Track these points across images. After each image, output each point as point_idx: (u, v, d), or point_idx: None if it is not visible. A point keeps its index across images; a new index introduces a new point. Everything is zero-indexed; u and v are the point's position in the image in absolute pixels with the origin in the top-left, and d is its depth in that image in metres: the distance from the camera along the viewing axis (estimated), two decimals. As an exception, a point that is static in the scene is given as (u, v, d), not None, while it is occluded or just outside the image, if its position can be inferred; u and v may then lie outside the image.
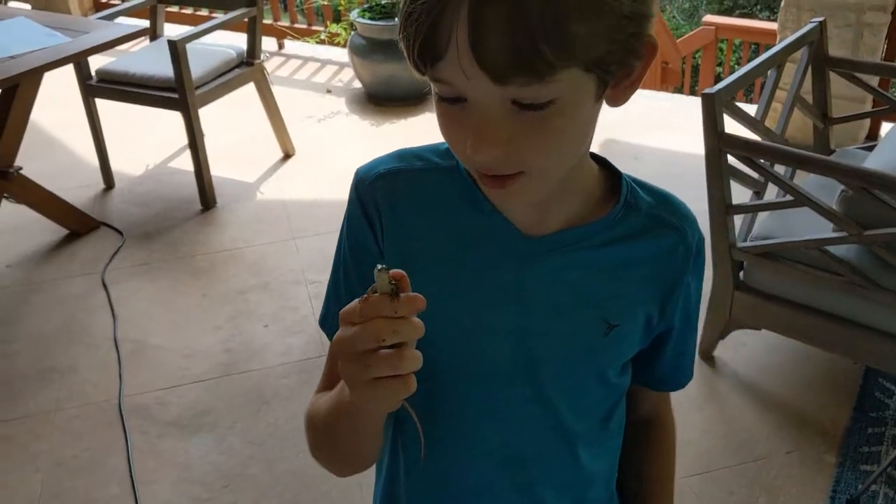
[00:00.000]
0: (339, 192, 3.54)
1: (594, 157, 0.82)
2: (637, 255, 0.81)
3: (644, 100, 4.24)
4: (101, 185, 3.64)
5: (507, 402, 0.83)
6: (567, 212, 0.79)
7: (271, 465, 2.21)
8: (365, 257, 0.83)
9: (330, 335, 0.85)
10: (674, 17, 12.36)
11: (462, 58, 0.61)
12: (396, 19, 0.66)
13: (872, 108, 3.19)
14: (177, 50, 3.12)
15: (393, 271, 0.61)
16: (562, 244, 0.79)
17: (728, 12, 12.29)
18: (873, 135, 3.60)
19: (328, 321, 0.87)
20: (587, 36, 0.60)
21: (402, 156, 0.85)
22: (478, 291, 0.79)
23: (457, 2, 0.59)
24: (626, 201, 0.81)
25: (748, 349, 2.53)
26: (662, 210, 0.83)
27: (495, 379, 0.82)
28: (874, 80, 3.05)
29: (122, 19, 3.47)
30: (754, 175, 2.30)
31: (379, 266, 0.61)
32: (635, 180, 0.84)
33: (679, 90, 5.81)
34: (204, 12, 5.21)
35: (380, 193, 0.82)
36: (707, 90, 2.11)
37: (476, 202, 0.79)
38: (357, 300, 0.63)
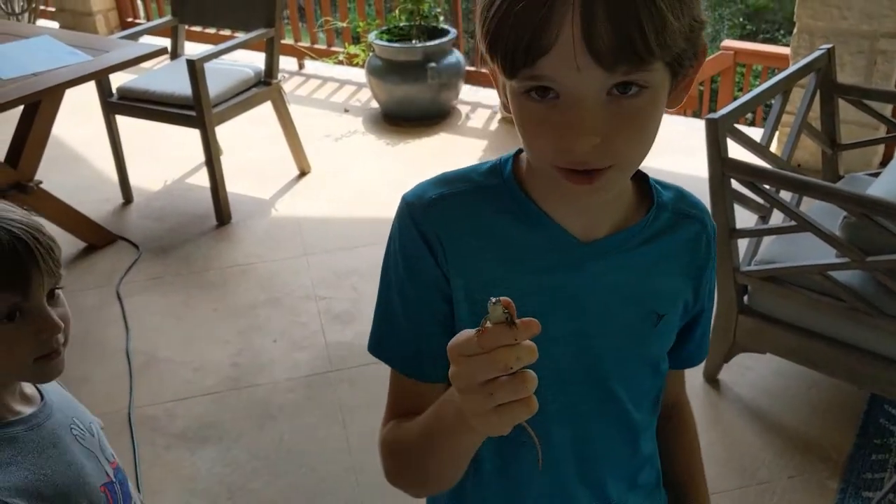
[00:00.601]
0: (353, 209, 3.62)
1: None
2: (670, 248, 0.88)
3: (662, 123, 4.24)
4: (120, 200, 3.71)
5: (575, 401, 0.88)
6: (613, 216, 0.85)
7: (275, 480, 2.24)
8: (427, 280, 0.85)
9: (389, 361, 0.89)
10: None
11: (576, 50, 0.65)
12: (485, 24, 0.70)
13: (886, 133, 3.18)
14: (195, 69, 3.18)
15: (503, 299, 0.63)
16: (611, 248, 0.85)
17: (751, 37, 12.28)
18: (887, 160, 3.59)
19: (384, 347, 0.89)
20: (677, 30, 0.67)
21: (447, 180, 0.87)
22: (539, 301, 0.82)
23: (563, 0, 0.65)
24: (657, 202, 0.88)
25: (752, 373, 2.53)
26: (682, 204, 0.91)
27: (563, 381, 0.86)
28: (886, 107, 3.05)
29: (144, 38, 3.56)
30: (759, 200, 2.31)
31: (493, 299, 0.63)
32: (654, 179, 0.91)
33: (697, 114, 5.82)
34: (226, 32, 5.31)
35: (435, 219, 0.84)
36: (710, 115, 2.13)
37: (530, 215, 0.84)
38: (464, 333, 0.65)
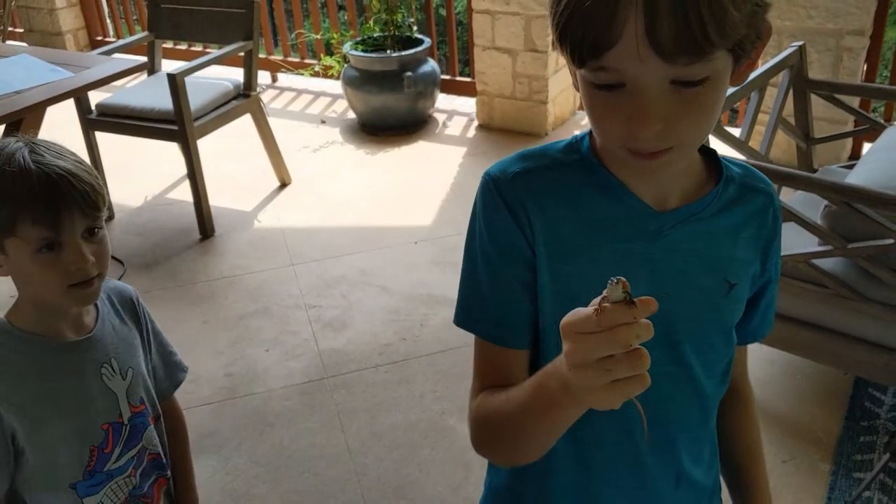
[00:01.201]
0: (337, 218, 3.64)
1: None
2: (740, 219, 0.92)
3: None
4: (101, 217, 3.69)
5: (651, 366, 0.89)
6: (684, 188, 0.90)
7: (277, 485, 2.25)
8: (513, 251, 0.89)
9: (478, 332, 0.93)
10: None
11: (639, 43, 0.70)
12: (557, 20, 0.74)
13: (855, 127, 3.28)
14: (175, 82, 3.19)
15: (622, 280, 0.66)
16: (686, 217, 0.89)
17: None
18: (856, 154, 3.69)
19: (472, 318, 0.93)
20: (738, 20, 0.70)
21: (528, 155, 0.92)
22: (620, 268, 0.84)
23: None
24: (725, 175, 0.92)
25: (740, 363, 2.59)
26: (750, 178, 0.95)
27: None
28: (855, 102, 3.15)
29: (117, 56, 3.55)
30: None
31: (613, 278, 0.66)
32: (723, 156, 0.95)
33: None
34: (198, 48, 5.31)
35: (522, 190, 0.89)
36: (693, 112, 2.19)
37: (609, 188, 0.88)
38: (578, 311, 0.68)
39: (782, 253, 2.15)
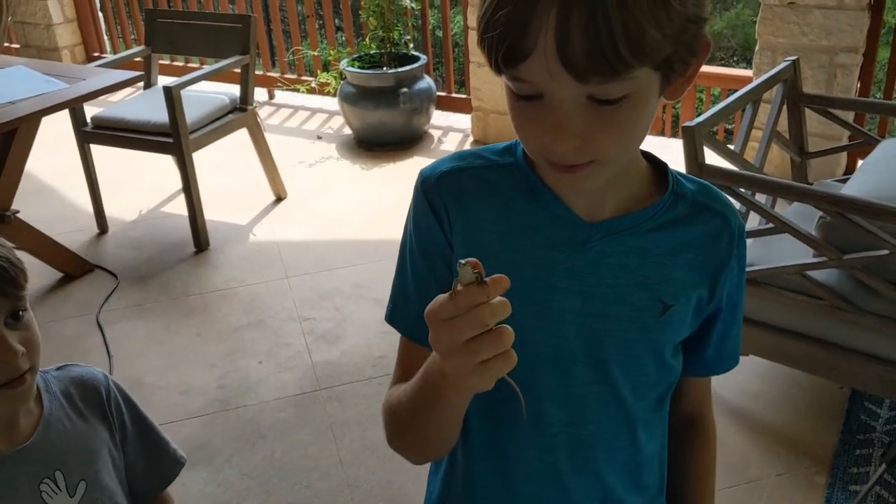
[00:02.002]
0: (332, 232, 3.63)
1: (641, 151, 0.89)
2: (686, 239, 0.87)
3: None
4: (95, 230, 3.69)
5: (571, 382, 0.88)
6: (621, 199, 0.86)
7: (268, 498, 2.22)
8: (434, 250, 0.89)
9: (399, 328, 0.92)
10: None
11: (548, 59, 0.67)
12: (482, 26, 0.71)
13: (849, 141, 3.29)
14: (172, 95, 3.20)
15: (471, 260, 0.66)
16: (617, 229, 0.85)
17: (705, 64, 12.58)
18: (850, 169, 3.70)
19: (397, 315, 0.93)
20: (659, 38, 0.67)
21: (462, 156, 0.91)
22: (541, 276, 0.85)
23: (544, 9, 0.66)
24: (672, 190, 0.88)
25: (735, 376, 2.57)
26: (705, 197, 0.89)
27: (560, 359, 0.87)
28: (849, 118, 3.16)
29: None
30: (735, 206, 2.38)
31: (461, 261, 0.66)
32: (677, 172, 0.91)
33: (660, 135, 5.95)
34: (195, 64, 5.33)
35: (445, 190, 0.88)
36: (687, 123, 2.20)
37: (537, 193, 0.86)
38: (439, 298, 0.68)
39: (776, 264, 2.19)
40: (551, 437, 0.89)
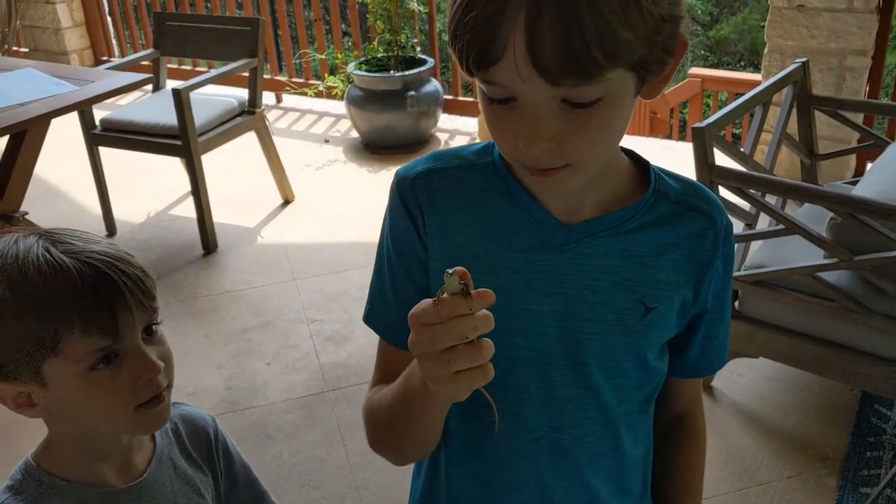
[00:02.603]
0: (339, 235, 3.63)
1: (623, 150, 0.87)
2: (668, 240, 0.85)
3: (632, 146, 4.34)
4: (104, 233, 3.69)
5: (553, 385, 0.86)
6: (600, 200, 0.84)
7: (277, 498, 2.19)
8: (408, 251, 0.88)
9: (377, 330, 0.92)
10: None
11: (519, 62, 0.66)
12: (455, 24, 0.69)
13: (858, 144, 3.28)
14: (180, 97, 3.20)
15: (458, 269, 0.65)
16: (596, 230, 0.83)
17: (713, 68, 12.58)
18: (860, 172, 3.68)
19: (374, 317, 0.92)
20: (632, 39, 0.66)
21: (439, 156, 0.90)
22: (519, 278, 0.83)
23: (513, 11, 0.65)
24: (655, 189, 0.86)
25: (745, 379, 2.57)
26: (690, 196, 0.87)
27: (541, 363, 0.85)
28: (858, 120, 3.15)
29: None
30: (745, 207, 2.37)
31: (449, 270, 0.66)
32: (662, 170, 0.89)
33: (668, 139, 5.96)
34: (203, 68, 5.34)
35: (420, 191, 0.87)
36: (697, 124, 2.19)
37: (514, 194, 0.84)
38: (423, 303, 0.68)
39: (786, 266, 2.18)
40: (533, 441, 0.88)
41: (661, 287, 0.85)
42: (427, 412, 0.79)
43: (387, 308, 0.90)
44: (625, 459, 0.92)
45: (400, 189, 0.88)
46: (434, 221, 0.86)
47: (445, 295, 0.66)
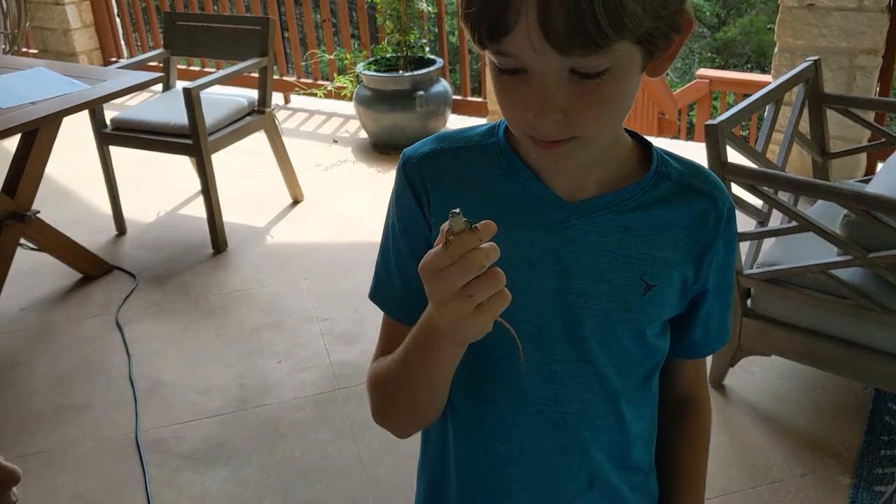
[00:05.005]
0: (349, 234, 3.63)
1: (627, 130, 0.88)
2: (670, 219, 0.87)
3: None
4: (114, 232, 3.71)
5: (553, 360, 0.88)
6: (603, 179, 0.86)
7: (288, 496, 2.22)
8: (413, 230, 0.90)
9: (381, 306, 0.93)
10: (667, 74, 12.63)
11: (531, 32, 0.68)
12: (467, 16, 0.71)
13: (869, 142, 3.27)
14: (191, 96, 3.21)
15: (459, 210, 0.68)
16: (598, 207, 0.85)
17: (720, 70, 12.56)
18: (870, 171, 3.68)
19: (379, 293, 0.94)
20: (639, 12, 0.68)
21: (444, 137, 0.92)
22: (521, 254, 0.85)
23: None
24: (657, 169, 0.87)
25: (757, 377, 2.56)
26: (692, 177, 0.89)
27: (542, 338, 0.87)
28: (870, 118, 3.14)
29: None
30: (757, 205, 2.37)
31: (453, 210, 0.68)
32: (665, 151, 0.90)
33: (675, 139, 5.95)
34: (212, 69, 5.35)
35: (426, 171, 0.89)
36: (710, 121, 2.19)
37: (516, 172, 0.86)
38: (432, 252, 0.69)
39: (798, 263, 2.17)
40: (535, 415, 0.90)
41: (661, 265, 0.87)
42: (440, 363, 0.80)
43: (392, 285, 0.92)
44: (627, 434, 0.93)
45: (406, 169, 0.90)
46: (438, 201, 0.88)
47: (452, 236, 0.68)
